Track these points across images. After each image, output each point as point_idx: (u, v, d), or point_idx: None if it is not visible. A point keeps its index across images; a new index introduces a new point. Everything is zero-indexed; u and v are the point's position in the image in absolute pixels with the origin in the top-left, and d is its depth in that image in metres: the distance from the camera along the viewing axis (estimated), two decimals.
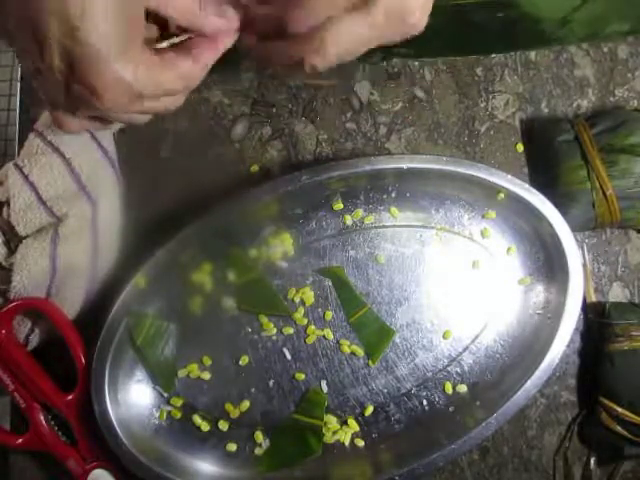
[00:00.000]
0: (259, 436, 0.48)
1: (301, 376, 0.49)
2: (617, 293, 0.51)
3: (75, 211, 0.46)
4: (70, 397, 0.46)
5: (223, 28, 0.36)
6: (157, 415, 0.48)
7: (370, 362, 0.49)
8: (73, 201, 0.46)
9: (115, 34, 0.31)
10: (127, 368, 0.47)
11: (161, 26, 0.36)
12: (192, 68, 0.35)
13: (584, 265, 0.50)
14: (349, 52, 0.35)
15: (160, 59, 0.34)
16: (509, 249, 0.50)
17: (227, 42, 0.36)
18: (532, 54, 0.53)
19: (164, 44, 0.36)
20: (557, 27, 0.51)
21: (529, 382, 0.46)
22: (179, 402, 0.48)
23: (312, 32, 0.34)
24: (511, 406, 0.46)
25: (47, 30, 0.30)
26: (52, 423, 0.47)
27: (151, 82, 0.34)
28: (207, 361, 0.49)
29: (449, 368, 0.49)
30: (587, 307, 0.50)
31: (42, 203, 0.44)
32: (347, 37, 0.34)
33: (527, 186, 0.47)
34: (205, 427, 0.48)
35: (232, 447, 0.48)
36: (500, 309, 0.50)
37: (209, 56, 0.36)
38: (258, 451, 0.48)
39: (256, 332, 0.49)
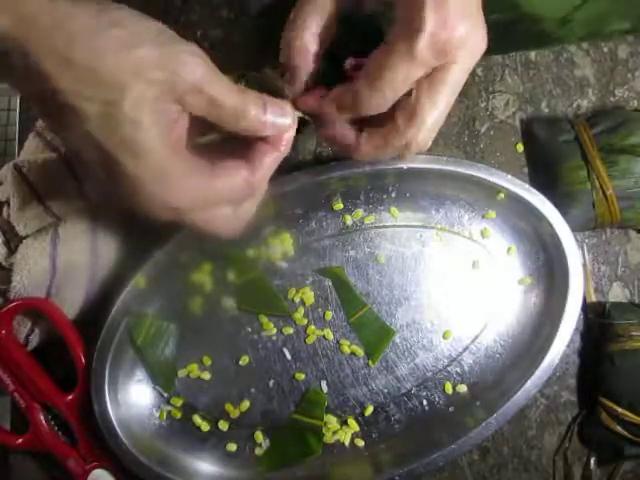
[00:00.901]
0: (259, 436, 0.48)
1: (301, 376, 0.49)
2: (617, 293, 0.51)
3: (75, 211, 0.46)
4: (70, 397, 0.46)
5: (284, 129, 0.36)
6: (157, 415, 0.48)
7: (370, 362, 0.49)
8: (73, 201, 0.46)
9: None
10: (127, 368, 0.47)
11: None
12: (252, 178, 0.35)
13: (584, 265, 0.50)
14: (440, 123, 0.37)
15: (210, 170, 0.34)
16: (509, 249, 0.50)
17: (289, 142, 0.36)
18: (532, 54, 0.53)
19: (204, 139, 0.36)
20: (557, 27, 0.51)
21: (529, 382, 0.46)
22: (179, 402, 0.48)
23: (405, 119, 0.36)
24: (511, 406, 0.46)
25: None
26: (52, 423, 0.47)
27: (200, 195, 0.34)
28: (207, 361, 0.49)
29: (449, 368, 0.49)
30: (587, 307, 0.50)
31: (42, 203, 0.44)
32: (439, 103, 0.36)
33: (527, 186, 0.47)
34: (205, 427, 0.48)
35: (232, 447, 0.48)
36: (500, 309, 0.50)
37: (270, 162, 0.36)
38: (258, 451, 0.48)
39: (256, 332, 0.49)
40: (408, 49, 0.33)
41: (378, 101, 0.35)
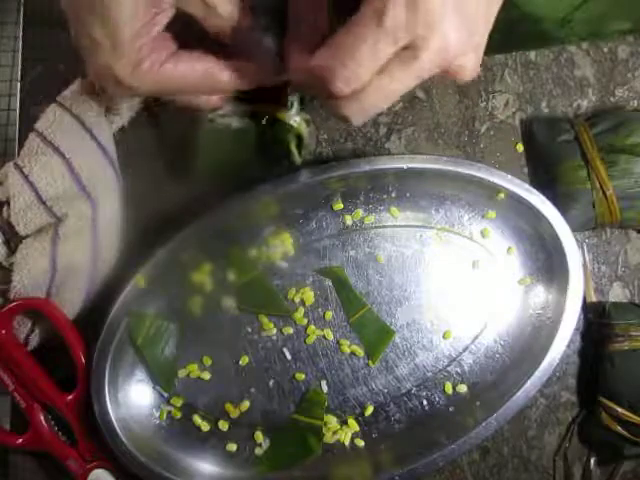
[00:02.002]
0: (259, 436, 0.48)
1: (301, 376, 0.49)
2: (617, 293, 0.51)
3: (75, 211, 0.46)
4: (70, 397, 0.46)
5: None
6: (157, 415, 0.48)
7: (370, 362, 0.49)
8: (73, 201, 0.46)
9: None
10: (127, 368, 0.47)
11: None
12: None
13: (584, 265, 0.50)
14: (387, 102, 0.35)
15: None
16: (509, 249, 0.50)
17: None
18: (532, 54, 0.53)
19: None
20: (557, 27, 0.51)
21: (529, 382, 0.46)
22: (179, 402, 0.48)
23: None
24: (511, 406, 0.46)
25: None
26: (52, 423, 0.47)
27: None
28: (207, 361, 0.49)
29: (449, 368, 0.49)
30: (587, 307, 0.50)
31: (42, 203, 0.44)
32: (388, 91, 0.34)
33: (527, 186, 0.47)
34: (205, 427, 0.48)
35: (232, 447, 0.48)
36: (500, 309, 0.50)
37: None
38: (258, 451, 0.48)
39: (256, 332, 0.49)
40: (376, 16, 0.30)
41: (342, 74, 0.32)
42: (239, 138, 0.43)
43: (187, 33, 0.37)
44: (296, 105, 0.41)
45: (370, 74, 0.32)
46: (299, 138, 0.43)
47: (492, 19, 0.33)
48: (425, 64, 0.32)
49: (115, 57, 0.34)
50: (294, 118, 0.41)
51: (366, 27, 0.31)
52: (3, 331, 0.46)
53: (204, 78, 0.36)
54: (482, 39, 0.34)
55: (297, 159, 0.43)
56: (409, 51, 0.32)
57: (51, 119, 0.45)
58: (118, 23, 0.33)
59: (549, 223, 0.47)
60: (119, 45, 0.34)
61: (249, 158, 0.46)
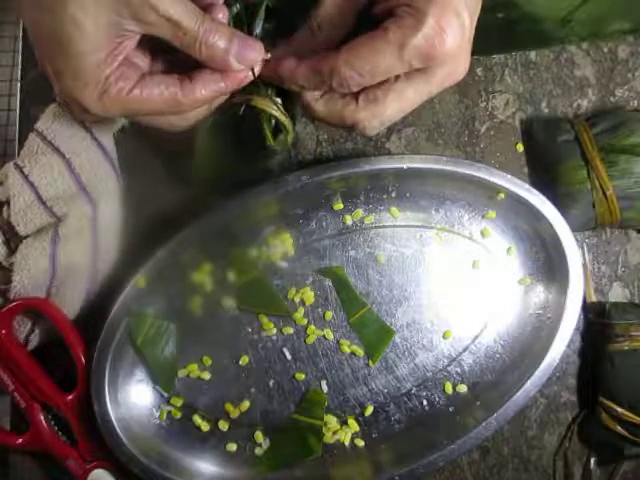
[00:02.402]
0: (259, 436, 0.48)
1: (301, 376, 0.49)
2: (617, 293, 0.51)
3: (75, 211, 0.46)
4: (70, 397, 0.46)
5: (252, 63, 0.36)
6: (157, 415, 0.48)
7: (370, 362, 0.49)
8: (73, 201, 0.46)
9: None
10: (127, 368, 0.47)
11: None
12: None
13: (584, 265, 0.50)
14: (395, 118, 0.38)
15: (139, 80, 0.35)
16: (509, 249, 0.50)
17: (238, 83, 0.37)
18: (532, 54, 0.53)
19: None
20: (557, 27, 0.50)
21: (529, 382, 0.46)
22: (179, 402, 0.48)
23: (365, 101, 0.36)
24: (511, 406, 0.46)
25: None
26: (52, 423, 0.47)
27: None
28: (207, 361, 0.49)
29: (449, 368, 0.49)
30: (587, 307, 0.50)
31: (42, 203, 0.44)
32: (404, 103, 0.37)
33: (527, 186, 0.47)
34: (205, 427, 0.48)
35: (232, 447, 0.48)
36: (500, 309, 0.50)
37: (207, 90, 0.36)
38: (258, 451, 0.48)
39: (256, 332, 0.49)
40: (401, 42, 0.34)
41: (353, 81, 0.35)
42: (217, 131, 0.43)
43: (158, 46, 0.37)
44: (272, 91, 0.41)
45: (375, 82, 0.36)
46: (278, 125, 0.42)
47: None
48: (437, 83, 0.37)
49: (78, 86, 0.34)
50: (271, 105, 0.40)
51: (388, 46, 0.34)
52: (3, 331, 0.46)
53: (169, 102, 0.36)
54: (469, 55, 0.38)
55: (271, 143, 0.42)
56: (425, 72, 0.36)
57: (51, 119, 0.45)
58: (80, 53, 0.33)
59: (549, 223, 0.47)
60: (81, 75, 0.34)
61: (228, 150, 0.46)
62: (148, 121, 0.38)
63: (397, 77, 0.36)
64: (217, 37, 0.35)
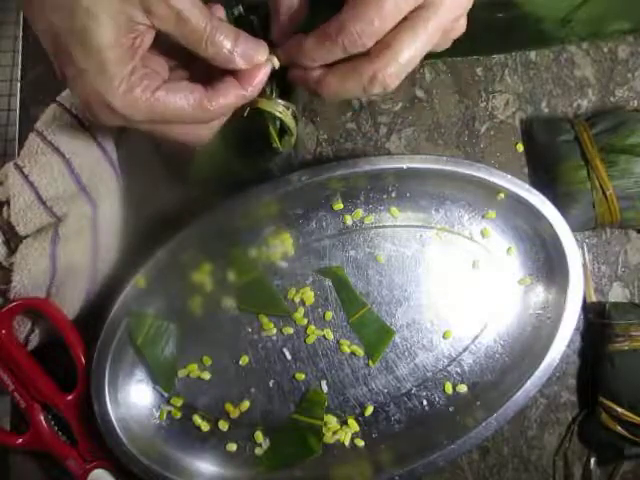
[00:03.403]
0: (259, 436, 0.48)
1: (301, 376, 0.49)
2: (617, 293, 0.51)
3: (75, 211, 0.46)
4: (70, 397, 0.46)
5: (254, 63, 0.36)
6: (157, 415, 0.48)
7: (370, 362, 0.49)
8: (73, 201, 0.46)
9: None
10: (127, 368, 0.47)
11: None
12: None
13: (584, 265, 0.50)
14: (412, 64, 0.36)
15: (162, 85, 0.35)
16: (509, 249, 0.50)
17: (257, 85, 0.37)
18: (532, 54, 0.53)
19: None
20: (557, 27, 0.50)
21: (529, 382, 0.46)
22: (179, 402, 0.48)
23: (378, 49, 0.35)
24: (511, 406, 0.46)
25: None
26: (52, 423, 0.47)
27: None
28: (207, 361, 0.49)
29: (449, 368, 0.49)
30: (587, 307, 0.50)
31: (42, 203, 0.44)
32: (418, 41, 0.35)
33: (527, 186, 0.47)
34: (205, 427, 0.48)
35: (232, 447, 0.48)
36: (500, 309, 0.50)
37: (232, 97, 0.36)
38: (258, 451, 0.48)
39: (256, 332, 0.49)
40: None
41: (364, 33, 0.34)
42: (220, 133, 0.43)
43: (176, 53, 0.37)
44: (275, 93, 0.41)
45: (387, 30, 0.34)
46: (282, 126, 0.43)
47: None
48: (442, 19, 0.35)
49: (104, 82, 0.33)
50: (276, 107, 0.41)
51: None
52: (3, 331, 0.46)
53: (194, 107, 0.36)
54: (471, 2, 0.37)
55: (278, 144, 0.42)
56: (429, 8, 0.35)
57: (51, 119, 0.45)
58: (101, 47, 0.33)
59: (549, 223, 0.47)
60: (106, 68, 0.33)
61: (231, 151, 0.46)
62: (176, 133, 0.37)
63: (404, 19, 0.35)
64: (223, 36, 0.35)
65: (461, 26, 0.37)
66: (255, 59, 0.36)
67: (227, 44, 0.35)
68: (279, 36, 0.38)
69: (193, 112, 0.36)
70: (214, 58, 0.35)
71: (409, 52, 0.35)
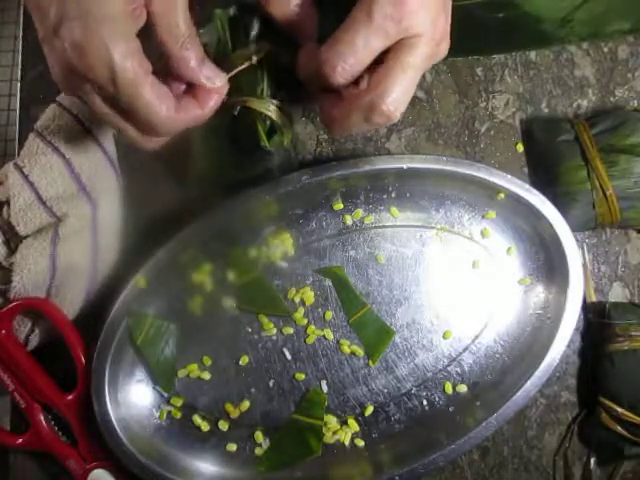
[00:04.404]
0: (259, 436, 0.48)
1: (301, 376, 0.49)
2: (617, 293, 0.51)
3: (75, 211, 0.46)
4: (70, 397, 0.46)
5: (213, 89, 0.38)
6: (157, 415, 0.48)
7: (370, 362, 0.49)
8: (73, 201, 0.46)
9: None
10: (127, 368, 0.47)
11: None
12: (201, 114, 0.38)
13: (584, 265, 0.50)
14: (409, 92, 0.37)
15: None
16: (509, 249, 0.50)
17: (211, 108, 0.39)
18: (532, 54, 0.53)
19: None
20: (557, 27, 0.51)
21: (529, 382, 0.46)
22: (179, 402, 0.48)
23: (373, 81, 0.37)
24: (511, 406, 0.46)
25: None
26: (52, 423, 0.47)
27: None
28: (207, 361, 0.49)
29: (449, 368, 0.49)
30: (587, 307, 0.50)
31: (42, 203, 0.44)
32: (408, 71, 0.36)
33: (527, 186, 0.47)
34: (205, 427, 0.48)
35: (232, 447, 0.48)
36: (500, 309, 0.50)
37: (189, 116, 0.38)
38: (258, 451, 0.48)
39: (256, 332, 0.49)
40: (367, 13, 0.35)
41: (341, 66, 0.36)
42: (213, 132, 0.43)
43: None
44: (266, 92, 0.41)
45: (364, 65, 0.36)
46: (272, 126, 0.43)
47: (449, 7, 0.39)
48: (425, 47, 0.36)
49: (111, 28, 0.33)
50: (266, 106, 0.41)
51: (359, 23, 0.35)
52: (3, 331, 0.46)
53: (168, 111, 0.36)
54: (448, 26, 0.38)
55: (266, 144, 0.43)
56: (410, 40, 0.36)
57: (51, 119, 0.45)
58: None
59: (549, 223, 0.47)
60: (115, 17, 0.33)
61: (224, 151, 0.46)
62: (130, 129, 0.38)
63: (386, 53, 0.37)
64: (197, 46, 0.36)
65: (443, 49, 0.39)
66: (212, 82, 0.38)
67: (193, 58, 0.36)
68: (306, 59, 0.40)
69: (165, 114, 0.36)
70: (180, 64, 0.36)
71: (402, 79, 0.37)
